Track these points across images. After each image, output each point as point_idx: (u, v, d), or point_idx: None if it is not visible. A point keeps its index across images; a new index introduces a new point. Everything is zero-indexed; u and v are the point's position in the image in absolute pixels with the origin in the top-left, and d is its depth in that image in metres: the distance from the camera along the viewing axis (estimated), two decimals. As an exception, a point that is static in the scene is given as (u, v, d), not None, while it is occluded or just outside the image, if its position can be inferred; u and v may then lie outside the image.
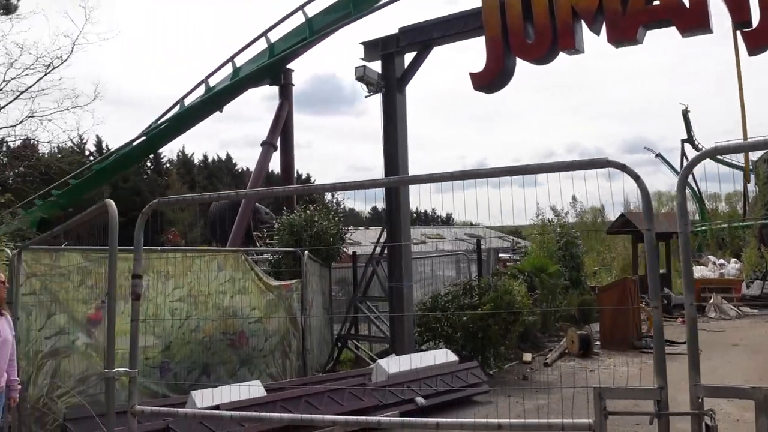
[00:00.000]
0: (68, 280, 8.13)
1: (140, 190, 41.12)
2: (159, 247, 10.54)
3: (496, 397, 10.08)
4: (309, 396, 8.30)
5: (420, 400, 9.21)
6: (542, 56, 9.70)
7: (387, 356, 11.45)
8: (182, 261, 9.16)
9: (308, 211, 12.86)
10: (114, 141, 46.21)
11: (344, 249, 13.93)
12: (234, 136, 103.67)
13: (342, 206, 14.44)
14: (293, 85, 22.24)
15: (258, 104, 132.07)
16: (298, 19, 19.67)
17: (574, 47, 9.46)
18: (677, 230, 3.63)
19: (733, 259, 23.64)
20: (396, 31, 11.32)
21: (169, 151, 47.49)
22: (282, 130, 21.86)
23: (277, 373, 10.18)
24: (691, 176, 39.07)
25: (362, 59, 11.74)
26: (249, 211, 20.15)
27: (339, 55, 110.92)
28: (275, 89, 22.69)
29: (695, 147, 40.25)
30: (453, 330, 11.91)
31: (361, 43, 11.75)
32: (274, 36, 20.63)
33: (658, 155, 44.31)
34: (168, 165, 46.93)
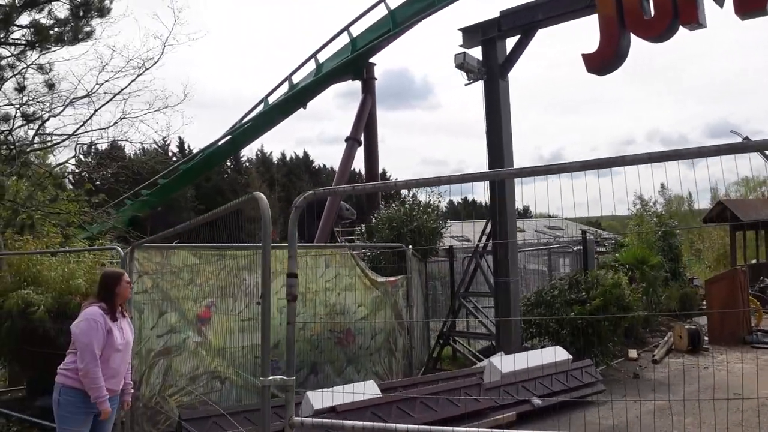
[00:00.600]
0: (178, 278, 7.91)
1: (221, 189, 41.69)
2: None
3: (611, 396, 9.46)
4: (424, 397, 7.84)
5: (536, 401, 8.65)
6: (661, 33, 8.92)
7: (491, 353, 10.92)
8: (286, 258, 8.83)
9: (407, 206, 12.43)
10: (194, 142, 47.11)
11: (441, 243, 13.43)
12: (309, 134, 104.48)
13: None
14: (375, 79, 21.78)
15: (331, 101, 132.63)
16: (380, 12, 19.31)
17: (697, 21, 8.66)
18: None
19: None
20: (496, 15, 10.74)
21: (249, 151, 48.12)
22: (365, 126, 21.49)
23: (384, 372, 9.76)
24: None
25: (461, 46, 11.16)
26: (336, 207, 19.89)
27: (410, 48, 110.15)
28: (350, 86, 22.45)
29: (786, 130, 38.00)
30: (560, 326, 11.28)
31: (460, 29, 11.18)
32: (356, 30, 20.34)
33: (746, 139, 42.10)
34: (247, 164, 47.43)
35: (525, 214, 52.45)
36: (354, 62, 20.56)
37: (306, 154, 57.53)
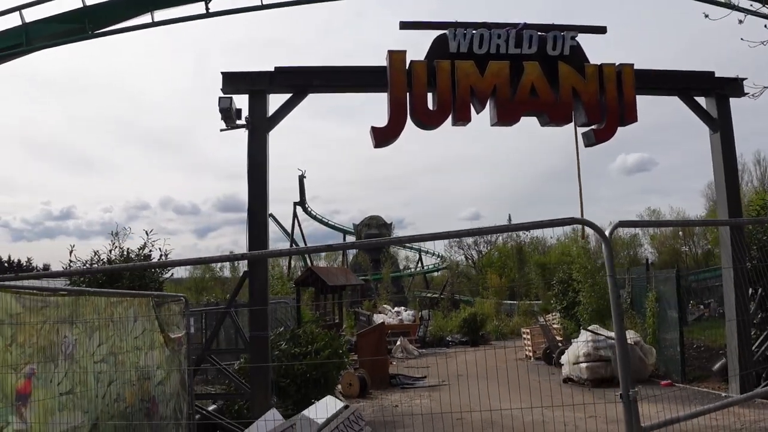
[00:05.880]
0: None
1: None
2: (91, 290, 7.27)
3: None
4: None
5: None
6: (438, 124, 9.97)
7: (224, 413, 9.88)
8: (106, 308, 6.62)
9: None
10: None
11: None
12: None
13: None
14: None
15: None
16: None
17: (469, 120, 9.97)
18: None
19: (402, 307, 26.19)
20: (271, 69, 10.21)
21: None
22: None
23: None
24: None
25: (222, 89, 10.18)
26: None
27: None
28: None
29: (306, 210, 43.78)
30: (285, 379, 10.94)
31: (222, 73, 10.16)
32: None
33: (270, 215, 46.70)
34: None
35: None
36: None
37: None
